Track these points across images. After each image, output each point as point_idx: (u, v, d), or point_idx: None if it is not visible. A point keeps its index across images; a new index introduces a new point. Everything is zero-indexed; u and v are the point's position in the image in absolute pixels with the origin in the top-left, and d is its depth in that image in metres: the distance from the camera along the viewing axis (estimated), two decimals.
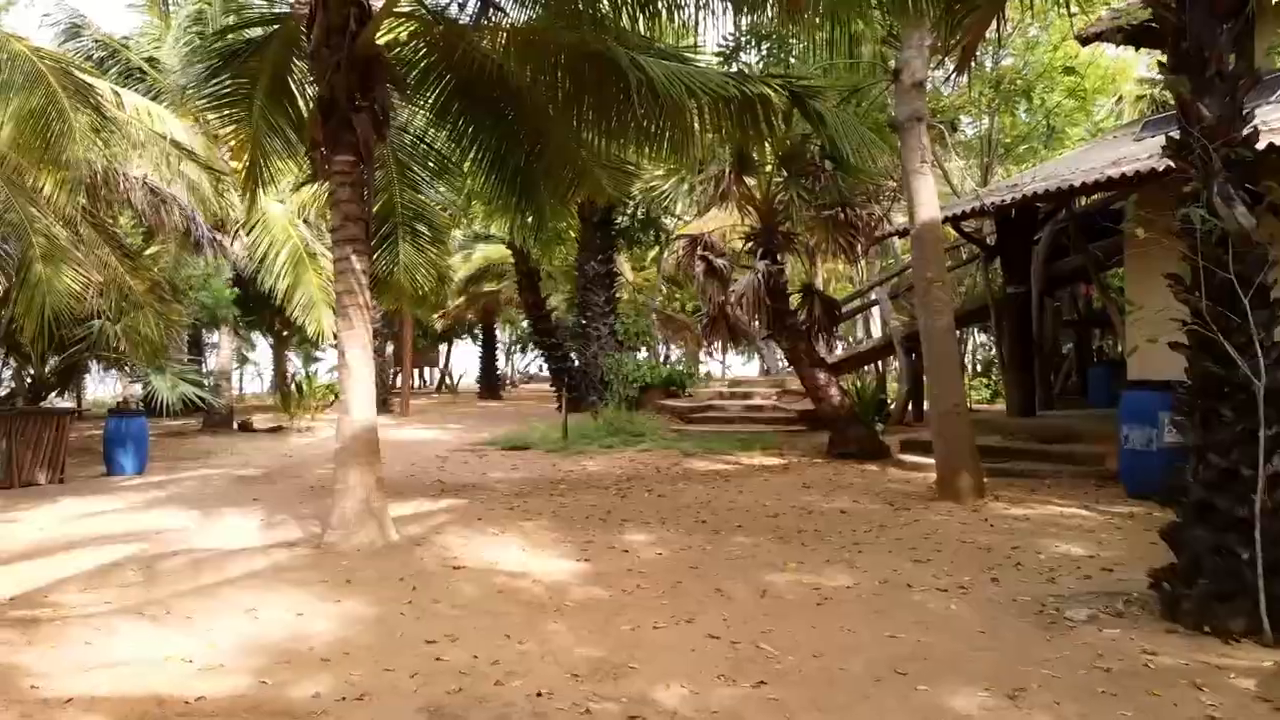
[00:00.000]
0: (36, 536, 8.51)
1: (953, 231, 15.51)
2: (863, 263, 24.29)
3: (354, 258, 7.80)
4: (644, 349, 24.60)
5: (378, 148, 9.52)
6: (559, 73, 8.53)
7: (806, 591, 6.01)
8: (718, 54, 11.45)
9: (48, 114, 9.84)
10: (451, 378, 48.38)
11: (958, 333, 15.81)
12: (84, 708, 3.97)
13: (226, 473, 13.34)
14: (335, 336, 9.18)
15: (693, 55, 8.84)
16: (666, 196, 19.68)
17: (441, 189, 13.10)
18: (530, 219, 10.87)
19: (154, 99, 15.55)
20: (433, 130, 10.61)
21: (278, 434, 20.46)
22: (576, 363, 23.51)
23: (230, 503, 10.34)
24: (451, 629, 5.18)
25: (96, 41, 16.66)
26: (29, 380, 15.99)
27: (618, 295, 23.29)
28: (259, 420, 22.21)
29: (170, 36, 17.09)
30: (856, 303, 23.09)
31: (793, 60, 13.07)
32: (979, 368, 27.82)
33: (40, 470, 12.27)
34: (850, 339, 34.27)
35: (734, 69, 11.38)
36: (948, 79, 18.19)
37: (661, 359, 34.11)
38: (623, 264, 28.01)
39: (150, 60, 17.09)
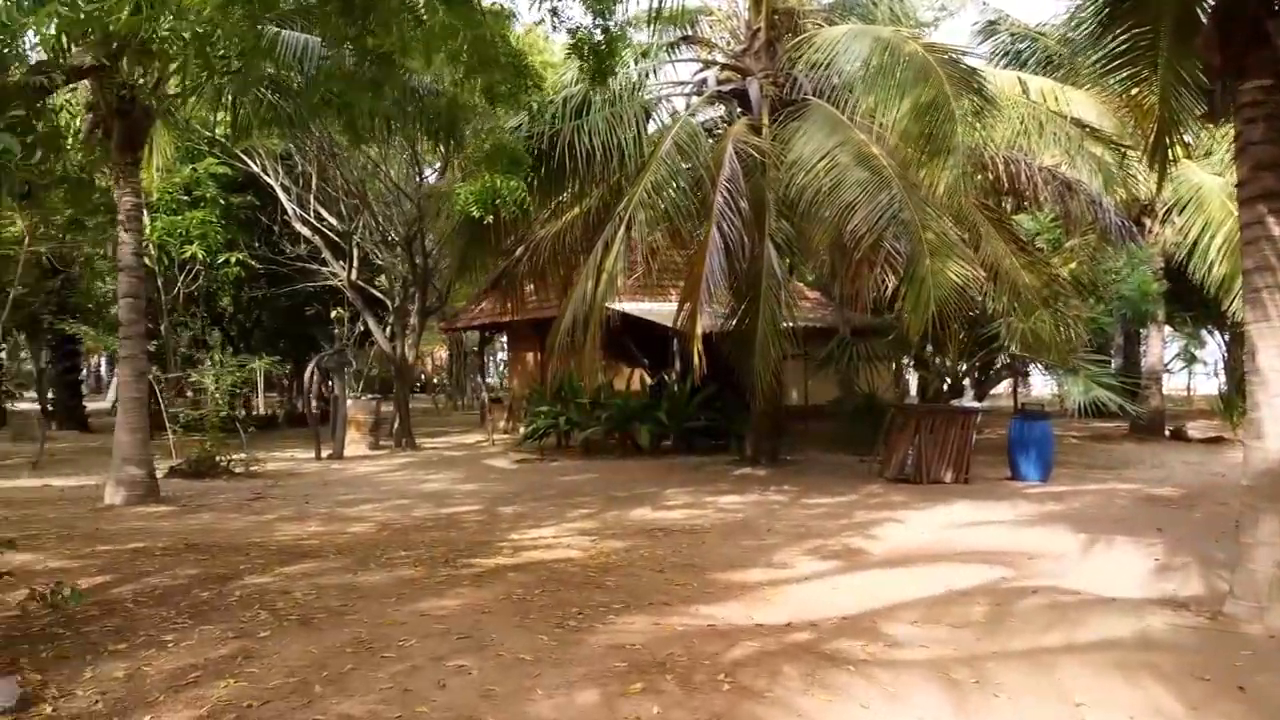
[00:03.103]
0: (911, 542, 8.26)
1: None
2: None
3: (1270, 220, 5.56)
4: None
5: None
6: None
7: None
8: None
9: (934, 105, 9.65)
10: None
11: None
12: None
13: (1137, 489, 11.62)
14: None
15: None
16: None
17: None
18: None
19: (1072, 82, 14.59)
20: None
21: (1215, 446, 17.55)
22: None
23: (1127, 529, 8.71)
24: None
25: (1013, 35, 16.42)
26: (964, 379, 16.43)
27: None
28: (1194, 428, 19.51)
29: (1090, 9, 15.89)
30: None
31: None
32: None
33: (945, 469, 12.31)
34: None
35: None
36: None
37: None
38: None
39: (1067, 41, 16.14)
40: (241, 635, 5.08)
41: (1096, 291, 16.01)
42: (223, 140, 16.96)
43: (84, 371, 38.88)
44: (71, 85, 8.48)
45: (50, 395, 26.04)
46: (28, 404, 29.23)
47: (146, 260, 16.78)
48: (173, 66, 5.00)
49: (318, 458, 16.71)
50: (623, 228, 11.53)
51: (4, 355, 32.29)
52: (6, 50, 4.73)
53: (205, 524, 9.36)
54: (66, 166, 5.24)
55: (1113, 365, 19.94)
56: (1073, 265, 15.39)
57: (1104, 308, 16.22)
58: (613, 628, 5.28)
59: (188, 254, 18.65)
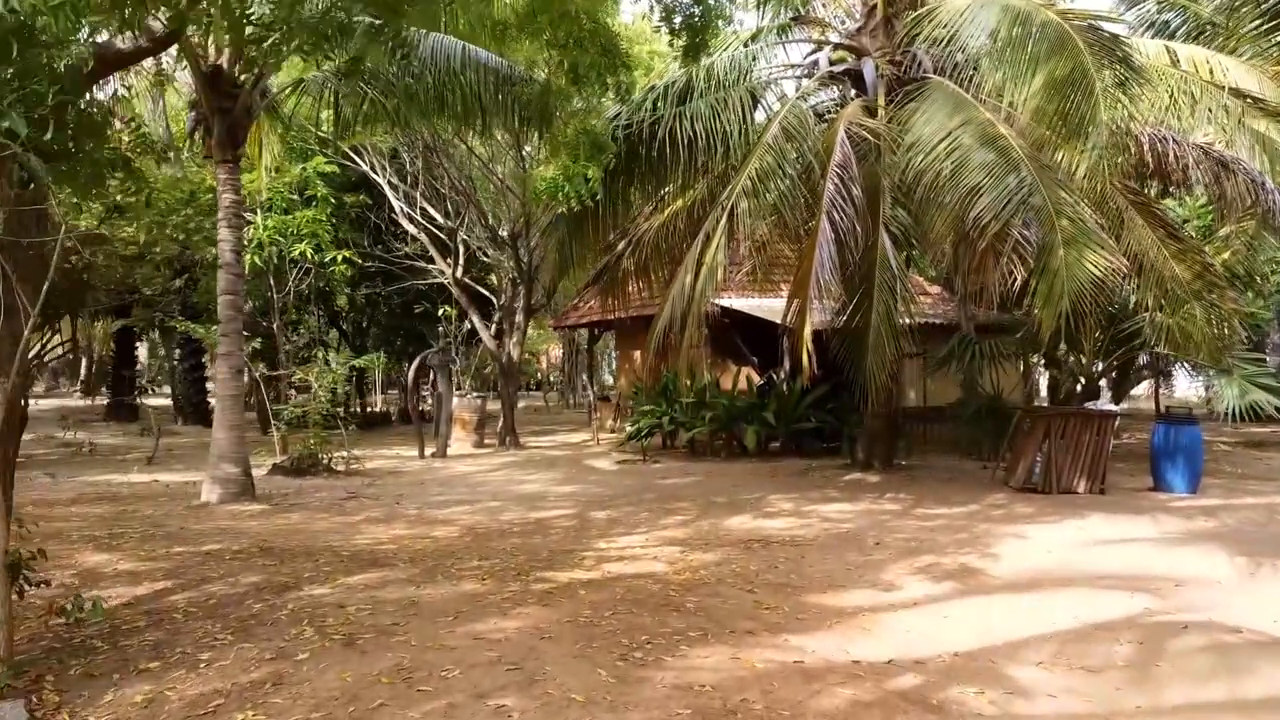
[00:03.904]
0: (1038, 561, 7.34)
1: None
2: None
3: None
4: None
5: None
6: None
7: None
8: None
9: (1071, 77, 8.67)
10: None
11: None
12: None
13: None
14: None
15: None
16: None
17: None
18: None
19: (1231, 52, 13.19)
20: None
21: None
22: None
23: None
24: None
25: (1160, 4, 15.00)
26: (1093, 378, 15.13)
27: None
28: None
29: None
30: None
31: None
32: None
33: (1078, 478, 11.21)
34: None
35: None
36: None
37: None
38: None
39: (1221, 7, 14.64)
40: (279, 656, 4.68)
41: (1253, 283, 14.51)
42: (329, 138, 17.02)
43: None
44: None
45: (177, 391, 27.01)
46: (160, 399, 30.44)
47: (257, 259, 17.00)
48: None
49: (421, 456, 16.62)
50: (724, 218, 10.88)
51: (141, 353, 33.86)
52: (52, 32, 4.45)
53: (290, 525, 9.17)
54: (118, 153, 4.93)
55: (1271, 364, 18.18)
56: (1226, 254, 13.96)
57: (1262, 302, 14.71)
58: (684, 661, 4.65)
59: (295, 252, 18.84)
